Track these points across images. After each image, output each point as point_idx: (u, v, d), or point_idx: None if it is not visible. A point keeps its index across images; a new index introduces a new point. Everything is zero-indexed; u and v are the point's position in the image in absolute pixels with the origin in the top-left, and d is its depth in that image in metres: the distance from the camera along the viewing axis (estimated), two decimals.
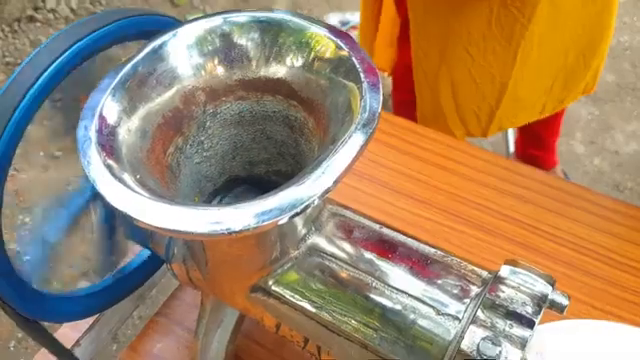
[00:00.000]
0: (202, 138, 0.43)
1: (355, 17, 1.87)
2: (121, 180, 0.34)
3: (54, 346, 0.54)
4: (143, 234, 0.49)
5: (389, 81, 1.36)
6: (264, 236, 0.40)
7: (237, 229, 0.32)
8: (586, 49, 1.03)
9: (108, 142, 0.36)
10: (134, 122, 0.39)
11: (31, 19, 1.97)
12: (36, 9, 1.98)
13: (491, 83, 1.04)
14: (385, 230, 0.44)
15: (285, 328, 0.44)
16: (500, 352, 0.36)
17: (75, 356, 0.57)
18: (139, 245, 0.52)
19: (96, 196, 0.51)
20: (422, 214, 0.68)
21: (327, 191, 0.33)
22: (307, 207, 0.32)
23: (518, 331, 0.37)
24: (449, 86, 1.06)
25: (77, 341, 0.59)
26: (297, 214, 0.32)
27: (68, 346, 0.57)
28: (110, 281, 0.56)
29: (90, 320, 0.60)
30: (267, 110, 0.44)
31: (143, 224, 0.33)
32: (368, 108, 0.36)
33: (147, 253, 0.59)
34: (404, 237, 0.43)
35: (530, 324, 0.37)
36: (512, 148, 1.51)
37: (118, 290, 0.57)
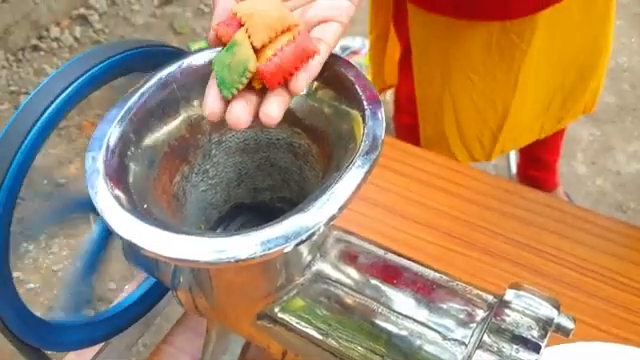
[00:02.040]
0: (207, 166, 0.44)
1: (355, 42, 1.89)
2: (128, 210, 0.35)
3: None
4: (149, 262, 0.50)
5: (391, 105, 1.37)
6: (270, 264, 0.40)
7: (243, 257, 0.32)
8: (584, 70, 1.04)
9: (116, 173, 0.37)
10: (141, 152, 0.39)
11: (35, 48, 1.99)
12: (40, 38, 2.01)
13: (493, 108, 1.05)
14: (390, 256, 0.44)
15: (291, 355, 0.44)
16: None
17: None
18: (145, 273, 0.52)
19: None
20: (425, 238, 0.68)
21: (332, 218, 0.33)
22: (312, 234, 0.33)
23: (524, 355, 0.37)
24: (452, 112, 1.07)
25: None
26: (302, 242, 0.33)
27: None
28: (114, 310, 0.56)
29: (96, 348, 0.60)
30: (271, 137, 0.45)
31: (151, 253, 0.33)
32: (372, 135, 0.37)
33: (150, 283, 0.59)
34: (409, 262, 0.44)
35: (536, 348, 0.37)
36: (514, 170, 1.52)
37: (122, 319, 0.57)
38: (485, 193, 0.75)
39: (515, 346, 0.37)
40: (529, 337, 0.37)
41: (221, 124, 0.43)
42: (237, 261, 0.32)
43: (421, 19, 0.98)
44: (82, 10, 2.09)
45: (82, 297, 0.54)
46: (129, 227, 0.33)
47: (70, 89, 0.43)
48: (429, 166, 0.77)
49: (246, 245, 0.32)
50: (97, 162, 0.36)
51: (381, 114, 0.38)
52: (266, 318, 0.43)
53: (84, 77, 0.43)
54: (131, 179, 0.38)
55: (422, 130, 1.15)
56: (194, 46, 2.03)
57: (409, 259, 0.44)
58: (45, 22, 2.01)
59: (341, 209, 0.34)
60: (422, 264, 0.44)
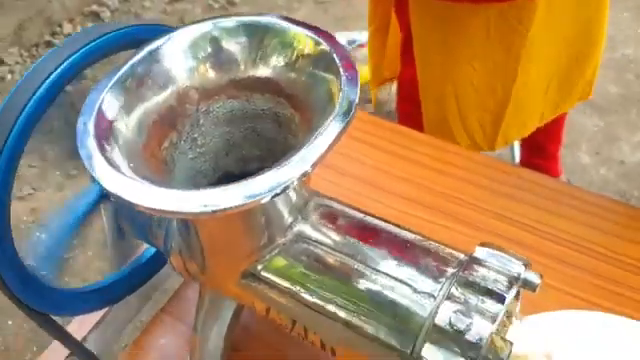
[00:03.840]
0: (195, 135, 0.47)
1: (362, 36, 1.91)
2: (116, 168, 0.37)
3: (64, 337, 0.57)
4: (143, 229, 0.52)
5: (394, 96, 1.39)
6: (251, 221, 0.43)
7: (223, 207, 0.35)
8: (579, 53, 1.05)
9: (105, 135, 0.40)
10: (130, 118, 0.42)
11: (48, 44, 2.03)
12: (53, 34, 2.05)
13: (493, 93, 1.06)
14: (368, 218, 0.46)
15: (274, 312, 0.46)
16: (470, 324, 0.38)
17: (85, 346, 0.60)
18: (140, 240, 0.54)
19: (104, 198, 0.54)
20: (412, 212, 0.70)
21: (305, 174, 0.36)
22: (287, 188, 0.35)
23: (489, 306, 0.39)
24: (453, 97, 1.09)
25: (84, 337, 0.62)
26: (277, 194, 0.35)
27: None
28: (114, 278, 0.59)
29: (96, 318, 0.63)
30: (257, 108, 0.47)
31: (137, 206, 0.36)
32: (346, 100, 0.39)
33: (150, 253, 0.62)
34: (386, 224, 0.46)
35: (501, 299, 0.39)
36: (517, 160, 1.53)
37: (122, 287, 0.60)
38: (477, 172, 0.76)
39: (481, 297, 0.39)
40: (495, 289, 0.39)
41: (208, 94, 0.46)
42: (215, 212, 0.35)
43: (421, 5, 1.00)
44: (94, 7, 2.14)
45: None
46: (115, 181, 0.36)
47: (67, 62, 0.45)
48: (424, 148, 0.79)
49: (226, 197, 0.35)
50: (88, 125, 0.39)
51: (356, 80, 0.41)
52: (250, 277, 0.45)
53: (80, 51, 0.46)
54: (120, 142, 0.40)
55: (425, 116, 1.17)
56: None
57: (387, 221, 0.46)
58: (58, 18, 2.05)
59: (313, 166, 0.36)
60: (399, 226, 0.46)
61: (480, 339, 0.38)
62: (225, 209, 0.35)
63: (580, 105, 1.44)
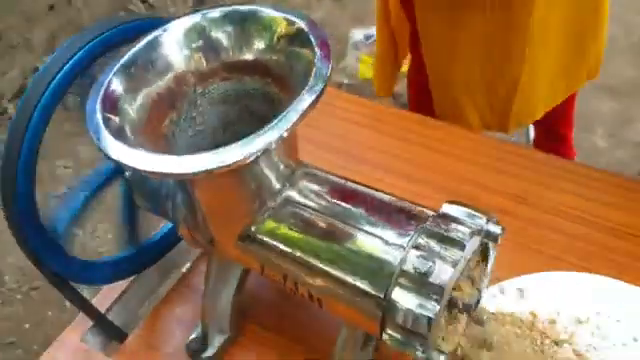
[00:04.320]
0: (194, 114, 0.52)
1: None
2: (120, 139, 0.43)
3: (88, 308, 0.63)
4: (154, 202, 0.58)
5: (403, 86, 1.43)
6: (244, 187, 0.48)
7: (209, 168, 0.40)
8: (582, 31, 1.08)
9: (111, 113, 0.45)
10: (133, 98, 0.48)
11: None
12: None
13: (502, 81, 1.09)
14: (349, 183, 0.51)
15: (268, 269, 0.52)
16: (432, 267, 0.43)
17: (107, 317, 0.66)
18: (152, 213, 0.60)
19: (117, 174, 0.60)
20: (402, 185, 0.74)
21: (280, 137, 0.41)
22: (266, 150, 0.41)
23: (451, 252, 0.44)
24: (462, 84, 1.12)
25: (107, 309, 0.68)
26: (254, 155, 0.41)
27: None
28: (130, 252, 0.65)
29: (119, 290, 0.70)
30: (247, 88, 0.53)
31: (138, 170, 0.41)
32: (318, 73, 0.45)
33: (166, 229, 0.68)
34: (364, 188, 0.51)
35: (462, 246, 0.44)
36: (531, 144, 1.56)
37: (138, 261, 0.66)
38: (474, 150, 0.80)
39: (444, 245, 0.44)
40: (456, 238, 0.44)
41: (203, 77, 0.52)
42: (208, 171, 0.40)
43: None
44: (122, 14, 2.22)
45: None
46: (118, 150, 0.42)
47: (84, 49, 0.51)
48: (424, 130, 0.83)
49: (213, 159, 0.41)
50: (96, 103, 0.45)
51: (328, 57, 0.46)
52: (246, 239, 0.51)
53: (93, 42, 0.52)
54: (125, 119, 0.46)
55: (435, 100, 1.20)
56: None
57: (366, 186, 0.51)
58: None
59: (288, 130, 0.41)
60: (376, 189, 0.51)
61: (442, 281, 0.42)
62: (214, 168, 0.40)
63: (595, 89, 1.46)
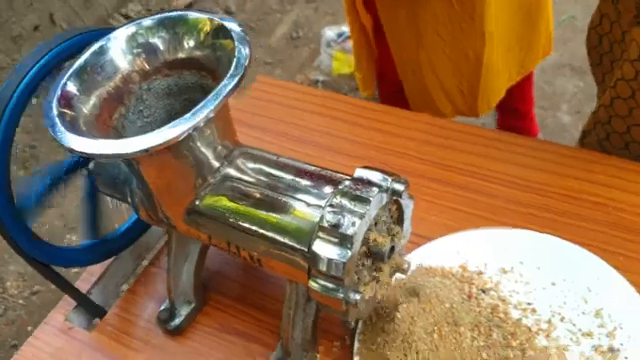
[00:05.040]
0: (141, 108, 0.60)
1: None
2: (72, 131, 0.51)
3: (70, 290, 0.71)
4: (115, 188, 0.66)
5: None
6: (184, 166, 0.56)
7: (145, 147, 0.48)
8: (531, 11, 1.15)
9: (65, 108, 0.53)
10: (85, 96, 0.56)
11: None
12: None
13: (465, 59, 1.15)
14: (281, 159, 0.59)
15: (214, 238, 0.59)
16: (342, 220, 0.50)
17: (89, 297, 0.74)
18: (114, 198, 0.68)
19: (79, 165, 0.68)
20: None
21: (205, 118, 0.49)
22: (191, 129, 0.48)
23: (358, 207, 0.51)
24: (429, 68, 1.18)
25: (88, 291, 0.76)
26: (178, 137, 0.48)
27: None
28: (101, 239, 0.73)
29: (97, 274, 0.77)
30: (187, 82, 0.60)
31: (87, 154, 0.49)
32: (237, 63, 0.52)
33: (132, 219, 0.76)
34: (293, 161, 0.59)
35: (367, 201, 0.51)
36: None
37: (106, 247, 0.74)
38: (425, 131, 0.87)
39: (353, 202, 0.51)
40: (363, 195, 0.52)
41: (147, 75, 0.60)
42: (147, 150, 0.48)
43: None
44: None
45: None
46: (70, 139, 0.50)
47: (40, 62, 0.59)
48: (374, 114, 0.90)
49: (145, 141, 0.48)
50: (52, 102, 0.53)
51: (246, 46, 0.53)
52: (192, 213, 0.59)
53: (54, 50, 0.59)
54: (78, 114, 0.54)
55: (407, 90, 1.26)
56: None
57: (295, 160, 0.59)
58: None
59: (209, 114, 0.49)
60: (305, 162, 0.59)
61: (351, 231, 0.50)
62: (152, 147, 0.48)
63: (560, 69, 1.53)
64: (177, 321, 0.70)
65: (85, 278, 0.78)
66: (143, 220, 0.66)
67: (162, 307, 0.71)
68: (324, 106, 0.92)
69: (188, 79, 0.60)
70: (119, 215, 0.76)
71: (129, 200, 0.64)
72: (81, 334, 0.74)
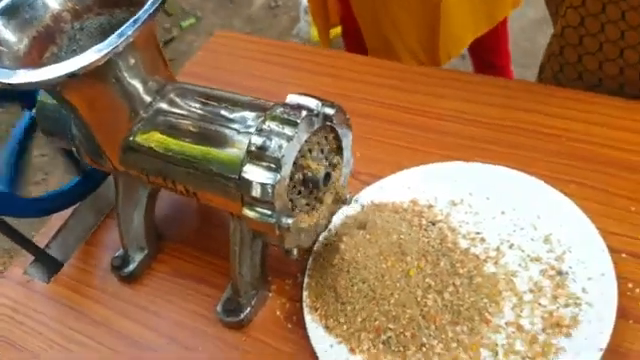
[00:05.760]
0: (74, 47, 0.60)
1: None
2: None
3: (27, 244, 0.71)
4: (58, 134, 0.65)
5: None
6: (116, 100, 0.56)
7: (65, 72, 0.48)
8: None
9: None
10: (13, 34, 0.55)
11: None
12: None
13: (423, 8, 1.15)
14: (214, 91, 0.59)
15: (151, 175, 0.59)
16: (268, 143, 0.50)
17: (47, 252, 0.74)
18: (60, 146, 0.68)
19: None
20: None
21: (125, 40, 0.49)
22: (112, 52, 0.48)
23: (286, 129, 0.51)
24: (388, 19, 1.18)
25: (46, 245, 0.76)
26: (99, 61, 0.48)
27: None
28: (54, 192, 0.73)
29: (55, 228, 0.78)
30: (119, 20, 0.60)
31: (11, 85, 0.49)
32: None
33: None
34: (226, 93, 0.58)
35: (294, 124, 0.51)
36: None
37: (61, 199, 0.74)
38: (377, 74, 0.87)
39: (281, 125, 0.51)
40: (291, 119, 0.51)
41: (79, 14, 0.59)
42: (71, 75, 0.48)
43: None
44: None
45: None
46: None
47: None
48: (338, 62, 0.90)
49: (69, 65, 0.48)
50: None
51: None
52: (127, 150, 0.58)
53: None
54: (7, 50, 0.54)
55: (369, 43, 1.26)
56: (184, 24, 2.22)
57: (226, 91, 0.58)
58: None
59: (126, 40, 0.49)
60: (238, 94, 0.58)
61: (278, 153, 0.50)
62: (74, 72, 0.48)
63: (540, 24, 1.50)
64: (131, 267, 0.70)
65: (45, 232, 0.78)
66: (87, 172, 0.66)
67: (116, 254, 0.71)
68: (281, 55, 0.91)
69: (119, 16, 0.60)
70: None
71: (71, 145, 0.64)
72: (39, 286, 0.74)
